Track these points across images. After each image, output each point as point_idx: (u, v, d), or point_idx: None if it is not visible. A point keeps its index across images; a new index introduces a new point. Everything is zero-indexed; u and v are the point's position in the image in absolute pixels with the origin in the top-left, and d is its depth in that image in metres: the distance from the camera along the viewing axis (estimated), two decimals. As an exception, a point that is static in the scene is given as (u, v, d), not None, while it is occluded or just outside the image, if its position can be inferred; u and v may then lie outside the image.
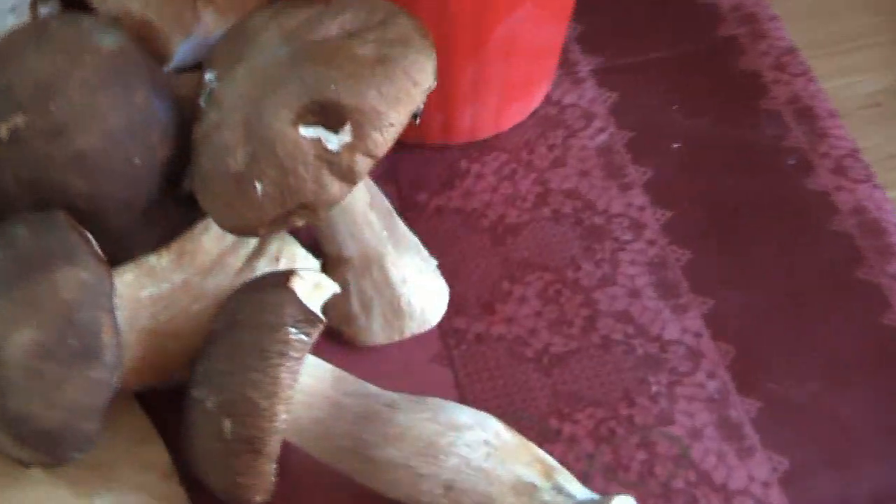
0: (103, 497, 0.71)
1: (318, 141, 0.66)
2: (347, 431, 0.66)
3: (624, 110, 0.92)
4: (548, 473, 0.66)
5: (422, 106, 0.69)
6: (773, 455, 0.74)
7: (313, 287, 0.69)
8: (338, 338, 0.79)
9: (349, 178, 0.67)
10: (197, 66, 0.78)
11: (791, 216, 0.85)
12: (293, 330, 0.65)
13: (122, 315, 0.72)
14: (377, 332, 0.78)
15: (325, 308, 0.78)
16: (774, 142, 0.89)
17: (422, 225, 0.85)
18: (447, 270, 0.82)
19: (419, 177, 0.88)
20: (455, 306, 0.81)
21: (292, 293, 0.67)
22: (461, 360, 0.79)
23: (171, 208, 0.75)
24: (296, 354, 0.65)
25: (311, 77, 0.67)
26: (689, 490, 0.72)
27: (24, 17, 0.84)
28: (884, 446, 0.74)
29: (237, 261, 0.76)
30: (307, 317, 0.66)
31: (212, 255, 0.76)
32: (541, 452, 0.67)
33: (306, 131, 0.67)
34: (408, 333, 0.79)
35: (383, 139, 0.67)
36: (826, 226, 0.84)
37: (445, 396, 0.76)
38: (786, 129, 0.90)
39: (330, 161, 0.66)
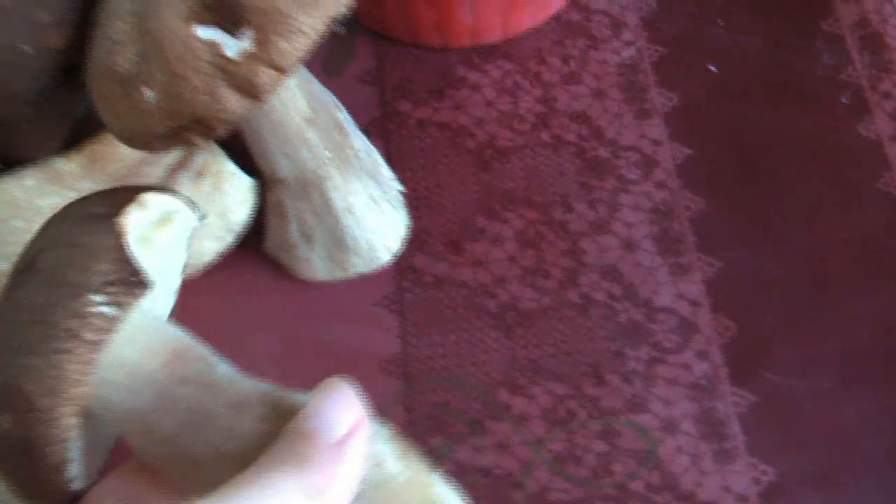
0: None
1: (214, 44, 0.52)
2: (173, 435, 0.44)
3: (660, 21, 0.74)
4: None
5: (346, 9, 0.54)
6: (758, 463, 0.58)
7: (158, 221, 0.49)
8: (275, 267, 0.66)
9: (250, 92, 0.52)
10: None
11: (833, 167, 0.68)
12: (97, 298, 0.44)
13: (18, 225, 0.60)
14: (318, 266, 0.64)
15: (264, 231, 0.65)
16: (830, 73, 0.71)
17: (400, 140, 0.70)
18: (417, 197, 0.68)
19: (407, 82, 0.73)
20: (418, 241, 0.66)
21: (116, 235, 0.46)
22: (412, 307, 0.64)
23: (76, 106, 0.62)
24: (92, 336, 0.44)
25: (209, -36, 0.52)
26: (649, 496, 0.58)
27: None
28: (892, 468, 0.58)
29: (157, 171, 0.63)
30: (125, 277, 0.45)
31: (127, 163, 0.63)
32: (437, 495, 0.44)
33: (201, 31, 0.52)
34: (353, 271, 0.64)
35: (292, 49, 0.52)
36: (872, 183, 0.67)
37: (386, 347, 0.63)
38: (846, 58, 0.71)
39: (227, 70, 0.52)
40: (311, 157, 0.61)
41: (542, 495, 0.58)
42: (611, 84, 0.72)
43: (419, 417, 0.60)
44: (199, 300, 0.61)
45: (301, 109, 0.60)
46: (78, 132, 0.63)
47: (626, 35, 0.74)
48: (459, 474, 0.56)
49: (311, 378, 0.44)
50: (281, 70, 0.52)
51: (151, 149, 0.56)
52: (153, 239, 0.48)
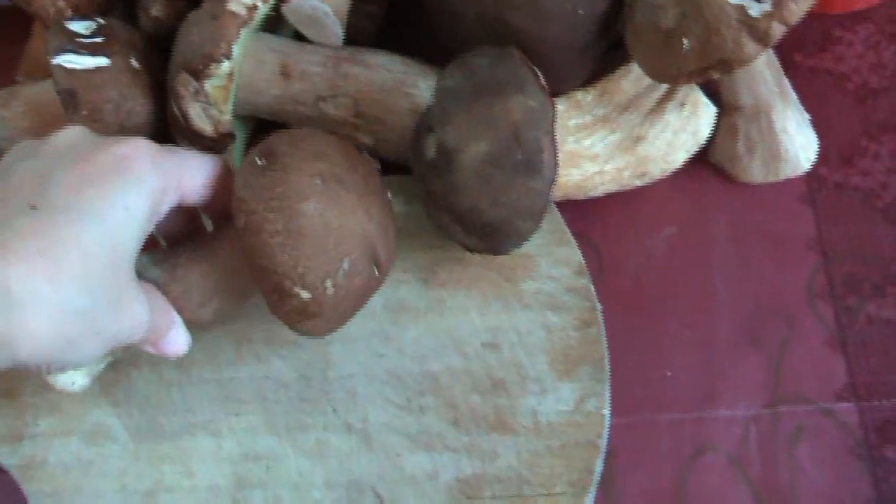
0: (526, 283, 0.78)
1: (741, 7, 0.69)
2: None
3: None
4: None
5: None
6: None
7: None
8: (720, 173, 0.83)
9: (764, 41, 0.69)
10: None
11: None
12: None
13: (550, 138, 0.77)
14: (756, 172, 0.81)
15: (713, 148, 0.82)
16: None
17: (797, 81, 0.86)
18: (815, 124, 0.84)
19: (797, 40, 0.89)
20: (819, 157, 0.83)
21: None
22: (822, 203, 0.81)
23: (600, 53, 0.79)
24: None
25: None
26: None
27: None
28: None
29: (649, 102, 0.80)
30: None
31: (628, 96, 0.80)
32: None
33: (731, -1, 0.69)
34: (782, 176, 0.81)
35: (798, 9, 0.69)
36: None
37: (804, 231, 0.80)
38: None
39: (750, 25, 0.69)
40: (765, 90, 0.78)
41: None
42: (952, 40, 0.87)
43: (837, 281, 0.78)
44: (670, 197, 0.80)
45: (762, 54, 0.77)
46: (593, 73, 0.80)
47: (962, 3, 0.89)
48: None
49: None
50: (787, 24, 0.69)
51: (677, 83, 0.73)
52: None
